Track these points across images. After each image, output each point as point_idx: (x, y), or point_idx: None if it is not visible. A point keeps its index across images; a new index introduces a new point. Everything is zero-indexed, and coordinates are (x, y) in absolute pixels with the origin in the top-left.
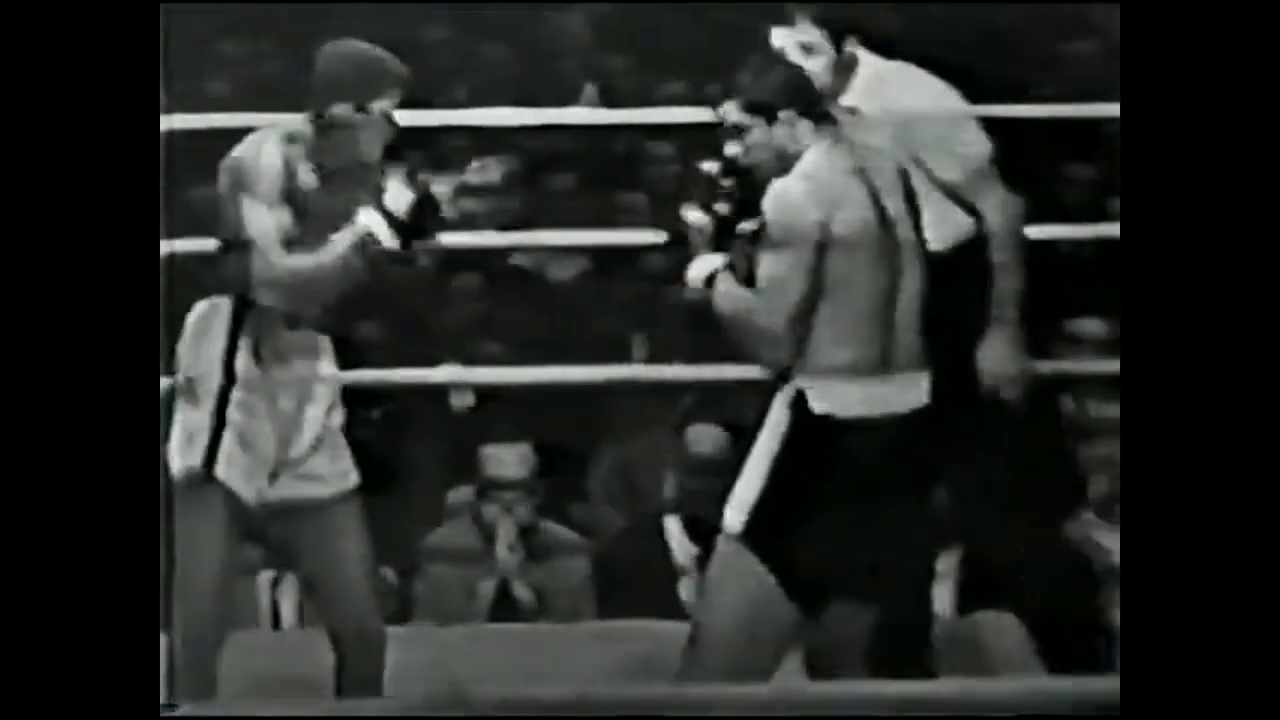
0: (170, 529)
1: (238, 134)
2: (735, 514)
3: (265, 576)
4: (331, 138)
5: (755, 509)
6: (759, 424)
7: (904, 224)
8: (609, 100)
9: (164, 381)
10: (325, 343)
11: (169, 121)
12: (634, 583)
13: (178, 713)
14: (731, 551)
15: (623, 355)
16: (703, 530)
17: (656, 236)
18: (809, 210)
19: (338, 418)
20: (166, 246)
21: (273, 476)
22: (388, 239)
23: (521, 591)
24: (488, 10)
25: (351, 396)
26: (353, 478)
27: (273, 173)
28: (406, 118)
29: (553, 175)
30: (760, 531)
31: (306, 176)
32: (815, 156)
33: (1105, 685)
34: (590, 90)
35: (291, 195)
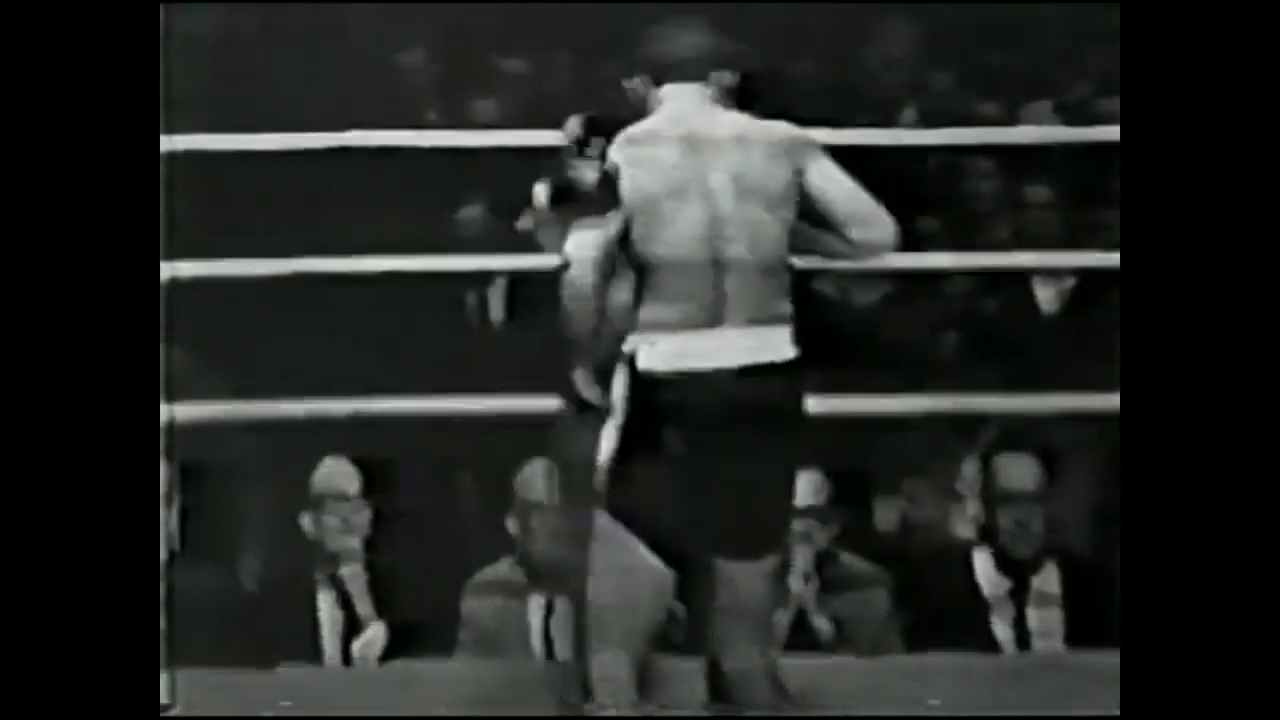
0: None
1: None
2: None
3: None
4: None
5: (609, 473)
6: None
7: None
8: (927, 120)
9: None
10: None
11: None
12: (941, 615)
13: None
14: (602, 524)
15: (922, 381)
16: (1013, 563)
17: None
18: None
19: None
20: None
21: None
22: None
23: (820, 622)
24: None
25: None
26: None
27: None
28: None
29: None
30: (617, 494)
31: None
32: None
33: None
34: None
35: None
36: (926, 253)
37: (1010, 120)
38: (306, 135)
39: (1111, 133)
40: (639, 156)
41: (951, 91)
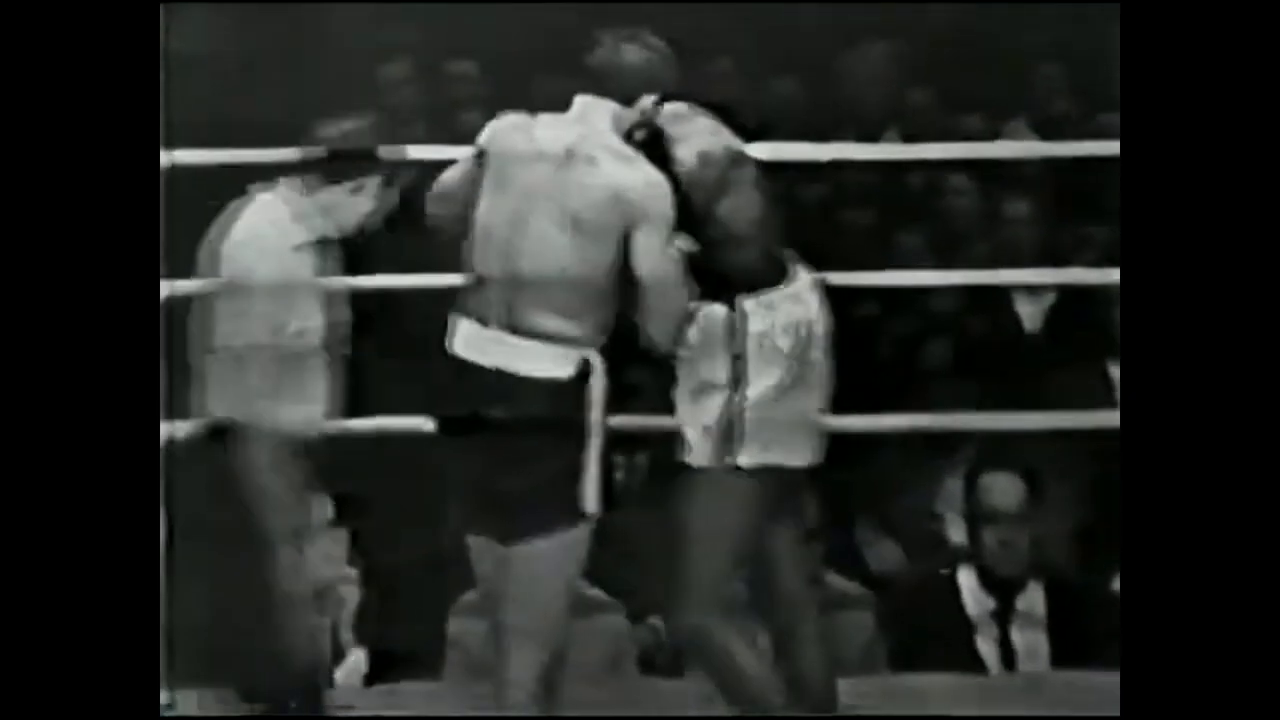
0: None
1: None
2: None
3: None
4: None
5: None
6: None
7: None
8: (907, 135)
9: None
10: None
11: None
12: (926, 636)
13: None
14: None
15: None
16: (997, 582)
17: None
18: None
19: None
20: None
21: None
22: None
23: None
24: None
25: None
26: None
27: None
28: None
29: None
30: None
31: None
32: None
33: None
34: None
35: None
36: (912, 271)
37: (990, 137)
38: (292, 150)
39: (1091, 148)
40: (499, 171)
41: (931, 109)
